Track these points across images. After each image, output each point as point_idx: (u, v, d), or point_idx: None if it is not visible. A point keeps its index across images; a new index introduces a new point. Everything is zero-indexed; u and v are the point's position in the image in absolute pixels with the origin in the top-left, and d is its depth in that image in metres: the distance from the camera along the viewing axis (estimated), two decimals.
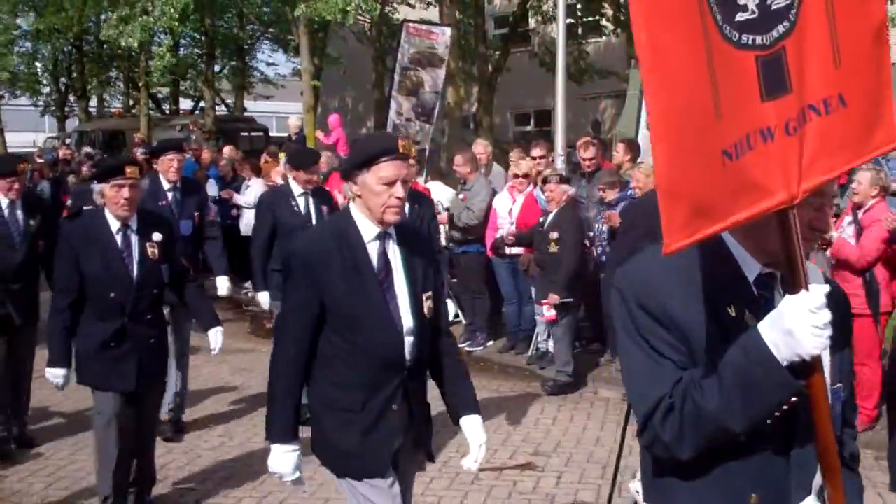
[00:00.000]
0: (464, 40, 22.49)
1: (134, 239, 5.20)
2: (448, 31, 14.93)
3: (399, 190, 3.38)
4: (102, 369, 5.15)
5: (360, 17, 21.04)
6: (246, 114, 30.63)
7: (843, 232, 7.04)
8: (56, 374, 5.27)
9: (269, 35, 30.67)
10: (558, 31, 11.20)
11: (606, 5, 22.27)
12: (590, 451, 6.82)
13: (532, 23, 24.64)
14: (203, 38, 26.21)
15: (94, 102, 35.14)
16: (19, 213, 6.61)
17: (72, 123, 35.29)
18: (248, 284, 13.58)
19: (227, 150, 15.94)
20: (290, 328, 3.52)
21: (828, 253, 7.24)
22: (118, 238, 5.17)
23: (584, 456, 6.71)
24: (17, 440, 6.82)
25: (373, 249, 3.49)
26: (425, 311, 3.54)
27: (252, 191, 13.46)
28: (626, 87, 15.15)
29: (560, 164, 10.35)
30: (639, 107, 11.05)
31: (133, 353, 5.18)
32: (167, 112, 33.55)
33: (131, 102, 33.38)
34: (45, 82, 35.80)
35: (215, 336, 5.76)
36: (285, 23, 26.37)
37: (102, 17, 23.30)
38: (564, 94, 10.95)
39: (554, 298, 8.18)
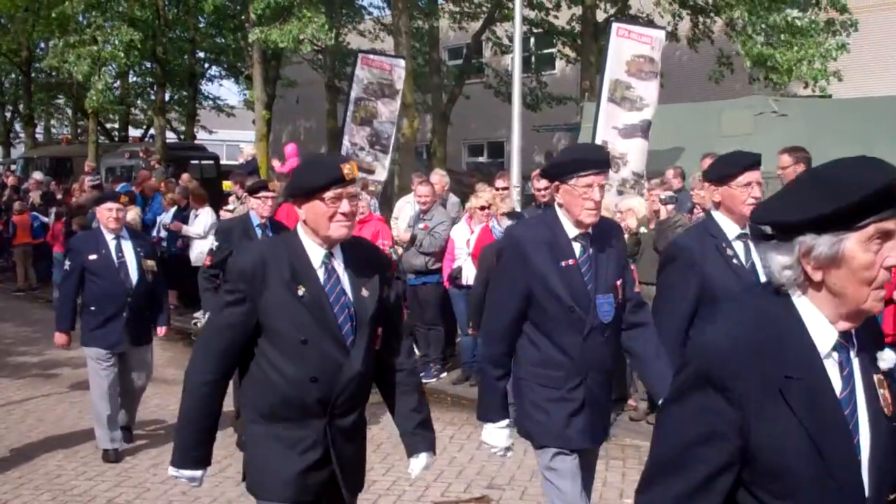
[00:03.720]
0: (419, 71, 22.61)
1: None
2: (402, 63, 14.97)
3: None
4: None
5: (315, 47, 21.07)
6: (196, 142, 30.37)
7: None
8: None
9: (220, 64, 30.52)
10: (514, 63, 11.27)
11: (562, 37, 22.53)
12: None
13: (486, 54, 24.86)
14: (154, 66, 26.00)
15: (41, 129, 34.61)
16: (342, 267, 3.51)
17: (18, 150, 34.73)
18: (198, 314, 13.44)
19: (185, 177, 15.79)
20: None
21: None
22: None
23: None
24: None
25: None
26: None
27: (200, 221, 13.32)
28: (579, 119, 15.29)
29: (516, 195, 10.38)
30: (592, 139, 11.10)
31: None
32: (116, 139, 33.16)
33: (79, 130, 32.95)
34: None
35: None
36: (237, 52, 26.30)
37: (50, 43, 22.95)
38: (520, 126, 11.00)
39: None
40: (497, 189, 10.04)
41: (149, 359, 7.58)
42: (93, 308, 7.12)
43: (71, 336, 7.35)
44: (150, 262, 7.35)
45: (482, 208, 9.49)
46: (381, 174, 14.03)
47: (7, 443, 7.62)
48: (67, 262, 7.30)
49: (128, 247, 7.26)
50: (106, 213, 7.19)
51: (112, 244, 7.19)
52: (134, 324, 7.17)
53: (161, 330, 7.65)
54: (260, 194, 7.47)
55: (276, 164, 15.69)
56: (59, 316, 7.34)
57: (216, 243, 7.50)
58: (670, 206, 8.34)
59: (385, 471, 6.90)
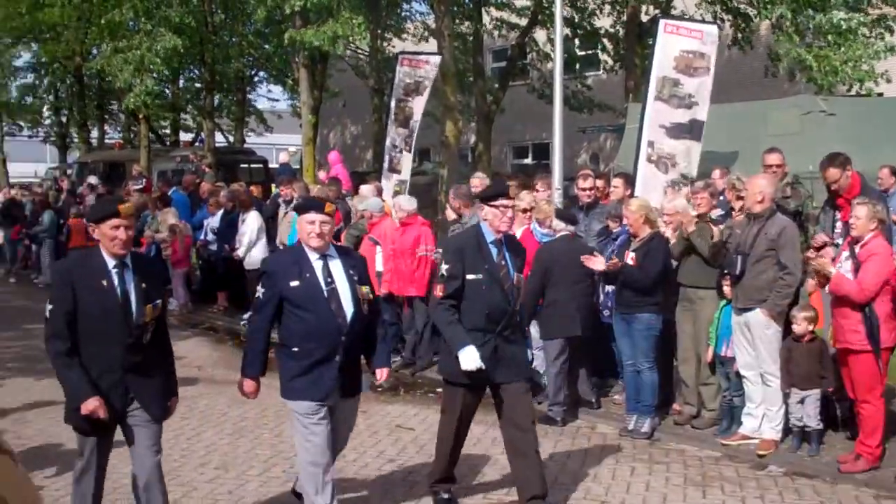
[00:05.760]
0: (463, 75, 22.60)
1: None
2: (438, 59, 14.99)
3: None
4: None
5: (355, 50, 21.21)
6: (245, 145, 30.72)
7: (840, 267, 7.00)
8: None
9: (267, 70, 30.81)
10: (555, 65, 11.22)
11: (605, 40, 22.39)
12: (587, 486, 6.74)
13: (530, 58, 24.78)
14: (203, 71, 26.35)
15: (95, 133, 35.26)
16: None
17: (73, 155, 35.42)
18: (247, 315, 13.59)
19: (236, 185, 15.94)
20: None
21: (826, 289, 7.21)
22: None
23: (582, 492, 6.63)
24: None
25: None
26: None
27: (248, 224, 13.46)
28: (624, 121, 15.19)
29: (557, 197, 10.34)
30: (637, 140, 11.01)
31: None
32: (167, 144, 33.65)
33: (132, 135, 33.50)
34: (46, 113, 36.00)
35: None
36: (283, 59, 26.58)
37: (100, 48, 23.59)
38: (562, 128, 10.94)
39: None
40: (538, 191, 10.07)
41: (355, 414, 5.93)
42: (296, 350, 5.44)
43: (260, 383, 5.63)
44: (366, 289, 5.61)
45: (524, 211, 9.49)
46: (406, 173, 14.14)
47: (61, 440, 7.74)
48: (260, 290, 5.52)
49: (338, 269, 5.52)
50: (307, 227, 5.44)
51: (318, 266, 5.46)
52: (347, 369, 5.51)
53: (382, 373, 5.87)
54: (497, 202, 5.99)
55: (321, 175, 15.79)
56: (248, 358, 5.60)
57: (446, 266, 5.98)
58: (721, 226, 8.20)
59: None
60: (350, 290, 5.44)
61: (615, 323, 8.33)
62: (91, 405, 4.86)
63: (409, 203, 10.78)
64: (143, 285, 5.04)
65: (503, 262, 5.96)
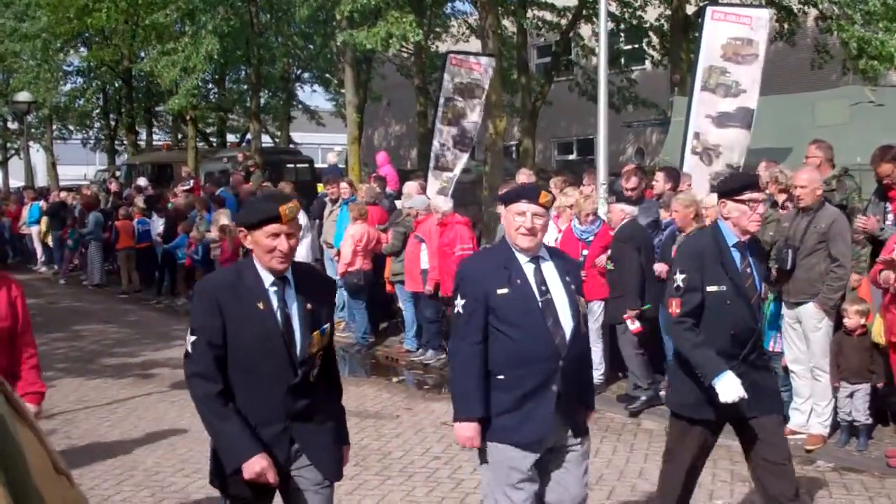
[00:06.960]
0: (508, 72, 22.58)
1: None
2: (491, 61, 14.98)
3: None
4: None
5: (402, 48, 21.32)
6: (291, 145, 30.96)
7: None
8: None
9: (311, 70, 31.02)
10: (600, 60, 11.18)
11: (651, 34, 22.24)
12: (633, 483, 6.72)
13: (574, 53, 24.69)
14: (249, 72, 26.60)
15: (143, 136, 35.72)
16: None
17: (122, 157, 35.93)
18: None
19: (283, 185, 16.07)
20: None
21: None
22: None
23: (627, 489, 6.62)
24: None
25: None
26: None
27: None
28: (670, 114, 15.08)
29: (602, 193, 10.30)
30: (684, 134, 10.93)
31: None
32: (214, 145, 33.98)
33: (179, 136, 33.90)
34: (95, 117, 36.54)
35: None
36: (327, 59, 26.72)
37: (148, 51, 24.08)
38: (606, 124, 10.89)
39: (630, 314, 8.52)
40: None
41: (581, 466, 4.38)
42: (501, 377, 4.17)
43: (480, 428, 4.15)
44: (583, 301, 4.43)
45: (570, 208, 9.49)
46: (456, 170, 14.18)
47: (110, 439, 7.92)
48: (460, 302, 4.24)
49: (552, 275, 4.29)
50: (515, 220, 4.21)
51: (529, 270, 4.25)
52: (567, 403, 4.23)
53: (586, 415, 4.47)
54: (745, 196, 4.84)
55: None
56: (460, 394, 4.24)
57: (683, 276, 4.87)
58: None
59: None
60: (569, 302, 4.22)
61: (661, 317, 8.30)
62: (257, 466, 3.67)
63: (444, 204, 10.87)
64: (309, 306, 3.86)
65: (748, 271, 4.89)
